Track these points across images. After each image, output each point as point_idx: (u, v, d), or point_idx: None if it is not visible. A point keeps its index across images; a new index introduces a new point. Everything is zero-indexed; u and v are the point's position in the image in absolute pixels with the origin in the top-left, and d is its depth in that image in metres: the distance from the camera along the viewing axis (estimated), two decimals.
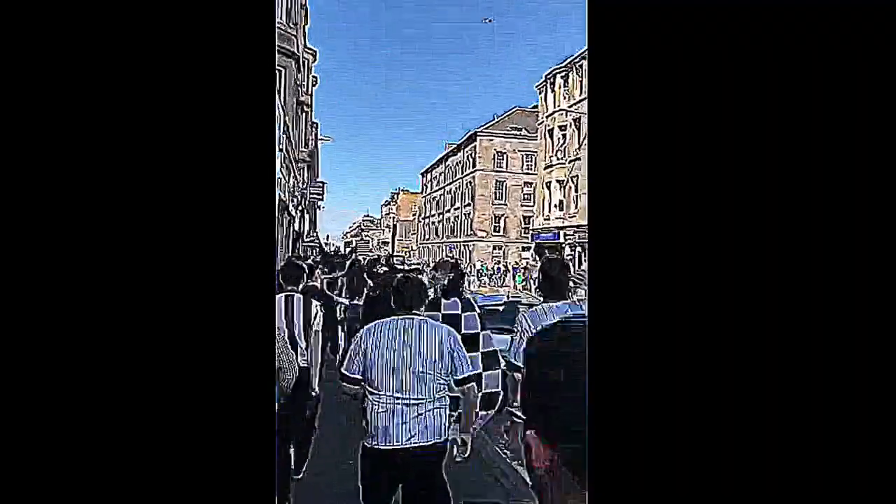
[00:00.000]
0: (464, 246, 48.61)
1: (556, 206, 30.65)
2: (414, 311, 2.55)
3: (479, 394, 3.03)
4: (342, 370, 2.50)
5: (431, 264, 6.23)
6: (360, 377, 2.45)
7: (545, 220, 31.86)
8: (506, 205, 46.85)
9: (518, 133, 47.38)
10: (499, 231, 47.02)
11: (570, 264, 3.19)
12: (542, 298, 2.97)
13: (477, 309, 3.68)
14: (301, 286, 3.76)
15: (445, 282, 3.83)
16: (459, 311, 3.55)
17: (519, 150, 46.93)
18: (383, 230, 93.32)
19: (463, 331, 3.28)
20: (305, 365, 3.56)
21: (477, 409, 2.83)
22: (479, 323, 3.57)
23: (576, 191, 27.92)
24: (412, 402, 2.39)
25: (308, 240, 27.81)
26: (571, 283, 3.00)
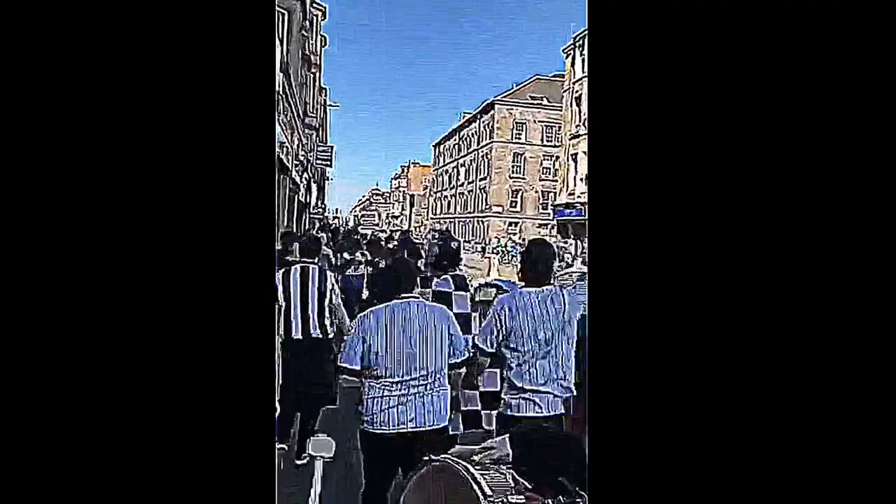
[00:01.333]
0: (478, 221, 46.43)
1: (582, 179, 28.36)
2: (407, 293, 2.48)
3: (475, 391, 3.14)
4: (340, 363, 2.43)
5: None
6: (359, 368, 2.38)
7: (570, 195, 29.56)
8: (524, 178, 44.47)
9: (538, 102, 44.77)
10: (515, 206, 44.75)
11: (556, 252, 3.19)
12: (522, 283, 2.72)
13: (470, 290, 3.52)
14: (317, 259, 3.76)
15: (436, 252, 3.59)
16: (451, 290, 3.35)
17: (539, 121, 44.36)
18: (392, 204, 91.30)
19: (455, 310, 3.03)
20: (318, 335, 3.67)
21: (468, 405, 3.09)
22: (469, 304, 3.40)
23: None
24: (412, 386, 2.35)
25: (314, 212, 25.79)
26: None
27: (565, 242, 29.26)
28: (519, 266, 2.66)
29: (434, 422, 2.35)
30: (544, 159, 43.98)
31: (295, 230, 14.20)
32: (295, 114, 14.32)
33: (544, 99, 45.29)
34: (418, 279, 2.71)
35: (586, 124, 27.98)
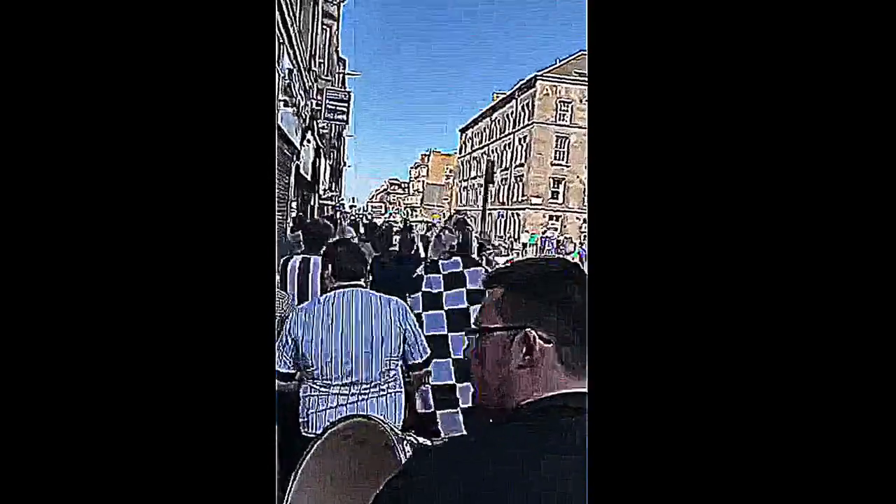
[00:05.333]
0: (513, 215, 40.84)
1: None
2: (356, 282, 2.14)
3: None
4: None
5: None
6: (292, 371, 2.04)
7: None
8: (567, 166, 38.81)
9: (585, 79, 39.04)
10: (557, 197, 39.14)
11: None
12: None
13: (483, 265, 3.17)
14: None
15: (455, 243, 3.16)
16: (461, 269, 3.01)
17: (587, 101, 38.70)
18: (411, 194, 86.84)
19: (468, 286, 2.88)
20: None
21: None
22: (480, 281, 2.75)
23: None
24: (354, 387, 2.02)
25: (325, 196, 20.34)
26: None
27: None
28: None
29: None
30: None
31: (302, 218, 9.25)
32: (296, 51, 8.85)
33: None
34: (367, 263, 2.41)
35: None
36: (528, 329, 0.72)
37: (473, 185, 52.88)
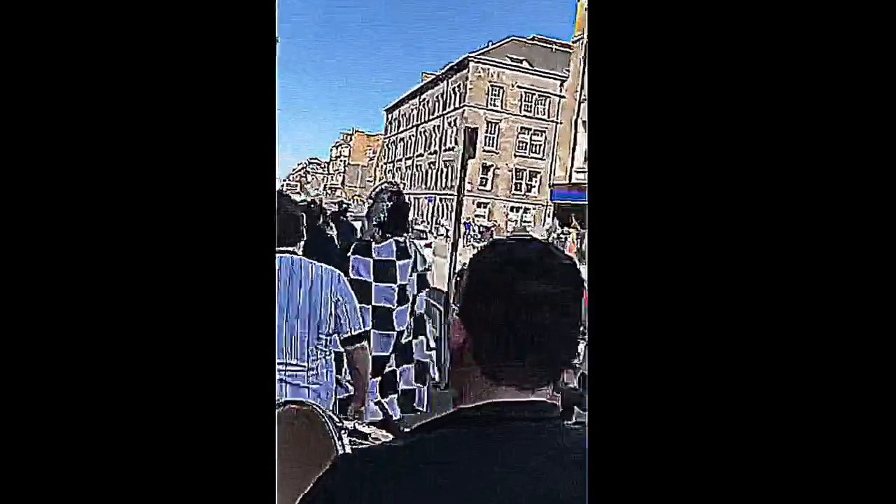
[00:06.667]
0: (442, 200, 39.67)
1: None
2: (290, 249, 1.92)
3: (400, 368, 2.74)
4: None
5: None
6: None
7: (578, 172, 23.31)
8: (497, 153, 38.05)
9: (517, 65, 38.34)
10: (486, 185, 38.33)
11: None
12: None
13: (416, 256, 2.84)
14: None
15: (383, 216, 2.76)
16: (394, 258, 2.72)
17: (519, 86, 37.96)
18: (332, 175, 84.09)
19: (399, 281, 2.72)
20: None
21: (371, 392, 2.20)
22: (409, 272, 2.78)
23: None
24: (282, 367, 1.82)
25: None
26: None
27: (563, 231, 23.22)
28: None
29: None
30: (521, 132, 37.76)
31: None
32: None
33: (524, 61, 38.93)
34: (302, 228, 2.07)
35: None
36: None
37: (399, 167, 51.20)
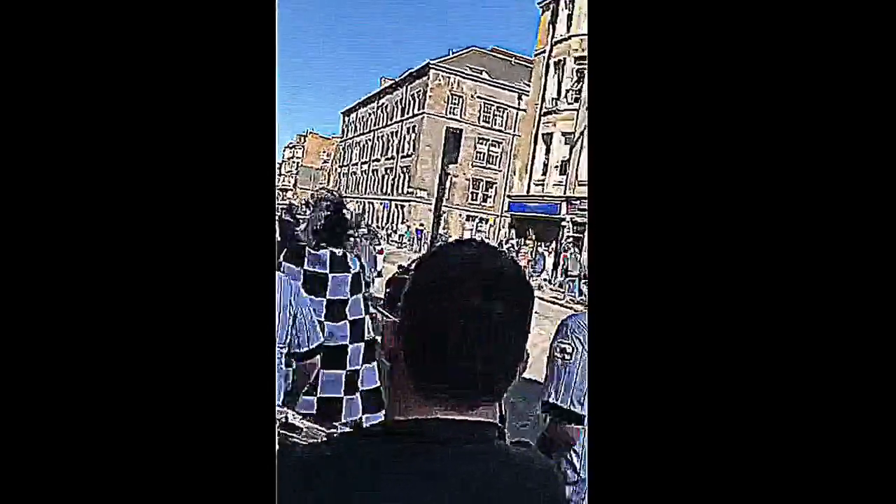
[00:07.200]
0: (397, 206, 39.27)
1: (555, 167, 22.35)
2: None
3: (355, 392, 2.48)
4: None
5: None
6: None
7: (536, 185, 23.45)
8: (455, 162, 38.10)
9: (477, 75, 38.48)
10: (442, 193, 38.26)
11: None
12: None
13: (354, 268, 2.63)
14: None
15: (319, 224, 2.57)
16: (327, 270, 2.52)
17: (478, 97, 38.08)
18: (283, 176, 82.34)
19: (328, 296, 2.47)
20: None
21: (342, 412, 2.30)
22: (349, 287, 2.58)
23: None
24: None
25: None
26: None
27: (518, 244, 23.32)
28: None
29: None
30: (479, 142, 37.86)
31: None
32: None
33: (483, 72, 39.13)
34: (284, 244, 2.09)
35: (569, 98, 22.01)
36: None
37: (355, 171, 50.45)
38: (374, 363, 2.69)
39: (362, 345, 2.59)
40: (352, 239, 2.77)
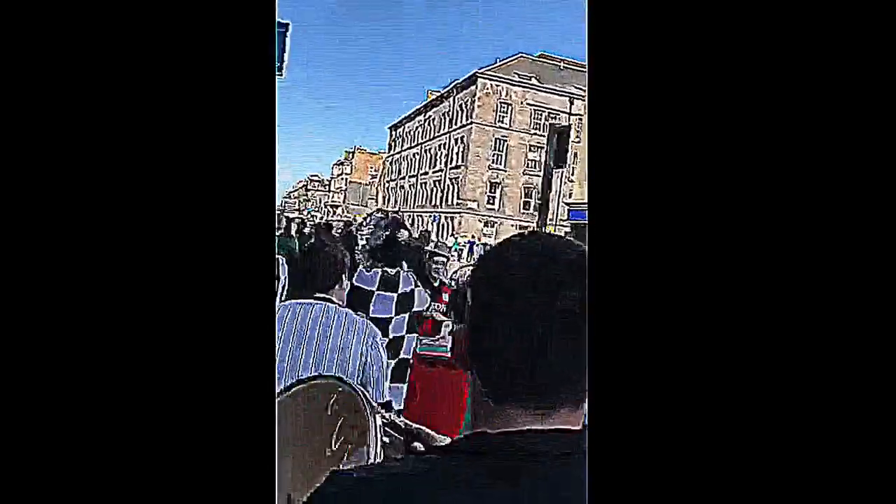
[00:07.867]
0: (447, 218, 38.59)
1: None
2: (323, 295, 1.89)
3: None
4: None
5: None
6: None
7: None
8: (505, 171, 37.08)
9: (527, 82, 37.57)
10: (493, 203, 37.30)
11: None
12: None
13: (403, 288, 2.60)
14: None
15: (375, 244, 2.60)
16: (375, 288, 2.54)
17: (528, 104, 37.14)
18: (333, 193, 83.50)
19: (372, 314, 2.44)
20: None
21: None
22: (393, 308, 2.55)
23: None
24: None
25: None
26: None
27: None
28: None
29: None
30: (531, 150, 36.83)
31: None
32: None
33: (533, 78, 38.19)
34: (345, 273, 2.01)
35: None
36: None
37: (402, 185, 50.23)
38: (404, 385, 2.65)
39: (392, 363, 2.49)
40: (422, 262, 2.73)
